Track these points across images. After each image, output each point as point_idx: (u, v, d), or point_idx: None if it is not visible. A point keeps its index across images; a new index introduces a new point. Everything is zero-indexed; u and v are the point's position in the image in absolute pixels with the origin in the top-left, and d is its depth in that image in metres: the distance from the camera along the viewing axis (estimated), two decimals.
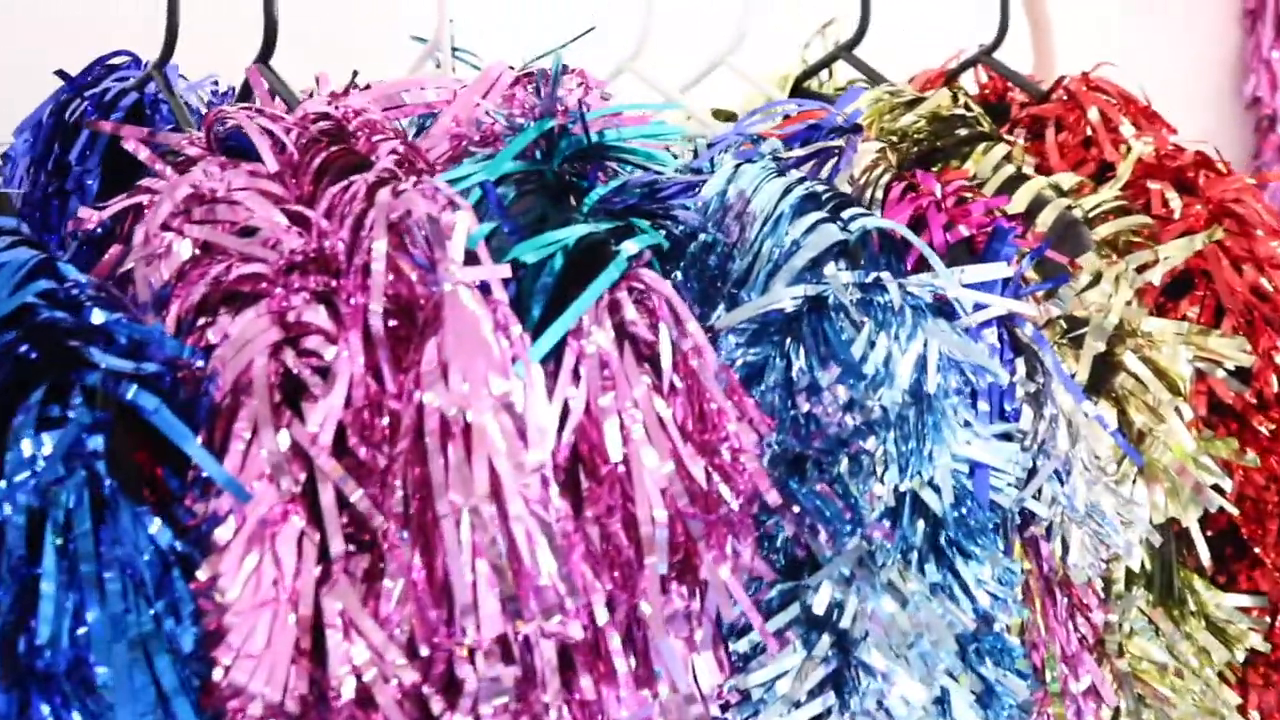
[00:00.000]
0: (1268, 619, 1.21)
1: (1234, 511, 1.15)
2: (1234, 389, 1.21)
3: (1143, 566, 1.14)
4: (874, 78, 1.37)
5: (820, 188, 1.08)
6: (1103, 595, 1.12)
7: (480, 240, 0.91)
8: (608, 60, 1.29)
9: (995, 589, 1.01)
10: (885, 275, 1.01)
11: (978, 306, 1.05)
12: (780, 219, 1.05)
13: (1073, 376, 1.12)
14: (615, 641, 0.92)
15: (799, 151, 1.13)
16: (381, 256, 0.88)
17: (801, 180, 1.09)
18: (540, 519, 0.86)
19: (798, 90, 1.42)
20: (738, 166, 1.10)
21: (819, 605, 0.97)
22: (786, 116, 1.21)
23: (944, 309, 1.04)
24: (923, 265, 1.07)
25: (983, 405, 1.06)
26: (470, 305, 0.87)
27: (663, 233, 1.03)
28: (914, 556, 0.98)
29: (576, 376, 0.93)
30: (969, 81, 1.52)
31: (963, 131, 1.25)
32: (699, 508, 0.93)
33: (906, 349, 0.98)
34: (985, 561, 1.01)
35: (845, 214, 1.05)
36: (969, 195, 1.14)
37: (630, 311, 0.95)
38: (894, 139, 1.24)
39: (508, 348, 0.88)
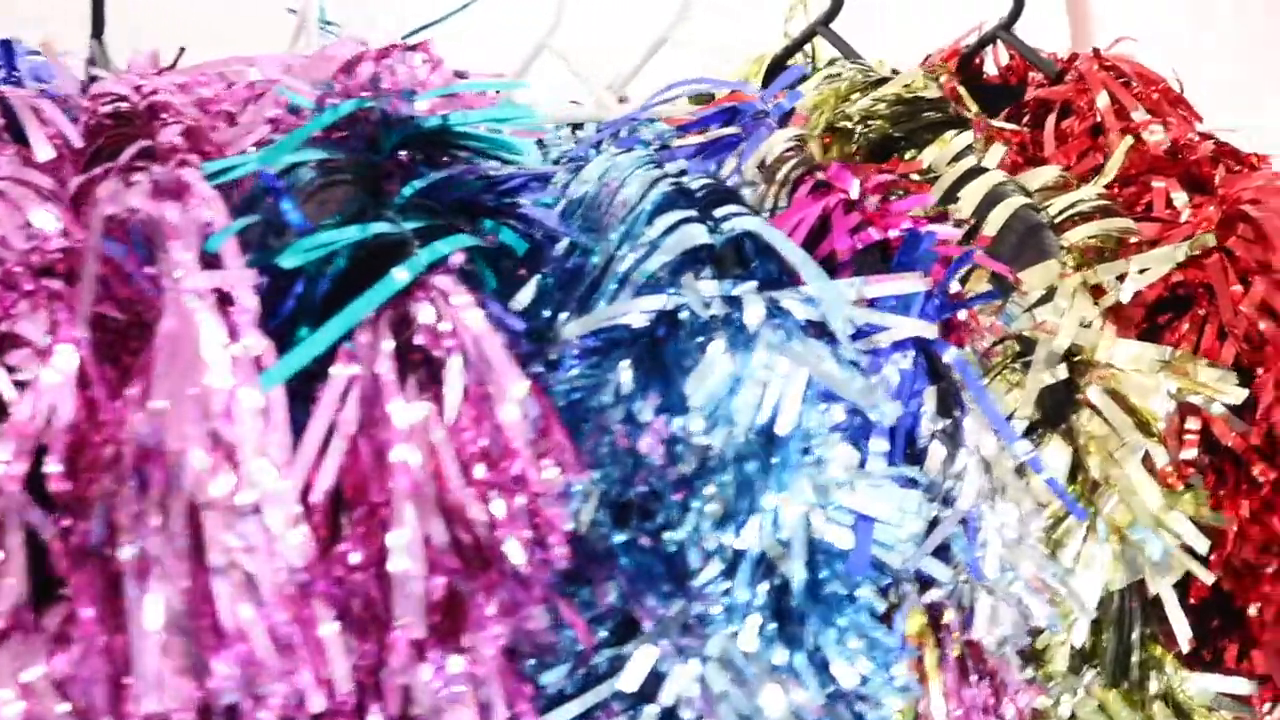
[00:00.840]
0: (1268, 707, 1.00)
1: (1206, 579, 0.95)
2: (1237, 429, 1.00)
3: (1094, 638, 0.96)
4: (849, 55, 1.20)
5: (699, 182, 0.93)
6: (1031, 674, 0.94)
7: (226, 239, 0.78)
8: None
9: (864, 667, 0.84)
10: (746, 288, 0.85)
11: (871, 328, 0.89)
12: (639, 217, 0.90)
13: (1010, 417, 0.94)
14: (373, 712, 0.79)
15: (693, 139, 0.98)
16: (93, 259, 0.76)
17: (680, 173, 0.93)
18: (245, 571, 0.73)
19: (774, 73, 1.25)
20: (616, 156, 0.96)
21: (627, 680, 0.82)
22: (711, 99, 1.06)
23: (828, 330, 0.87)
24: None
25: (879, 444, 0.89)
26: (191, 316, 0.75)
27: (516, 233, 0.90)
28: (755, 625, 0.82)
29: (346, 401, 0.80)
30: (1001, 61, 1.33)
31: (933, 115, 1.07)
32: (471, 560, 0.79)
33: (752, 378, 0.82)
34: (851, 633, 0.84)
35: (719, 213, 0.90)
36: (901, 192, 0.96)
37: (426, 319, 0.81)
38: (849, 125, 1.07)
39: (245, 366, 0.76)
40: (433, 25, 1.03)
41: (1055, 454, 0.95)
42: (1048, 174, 1.06)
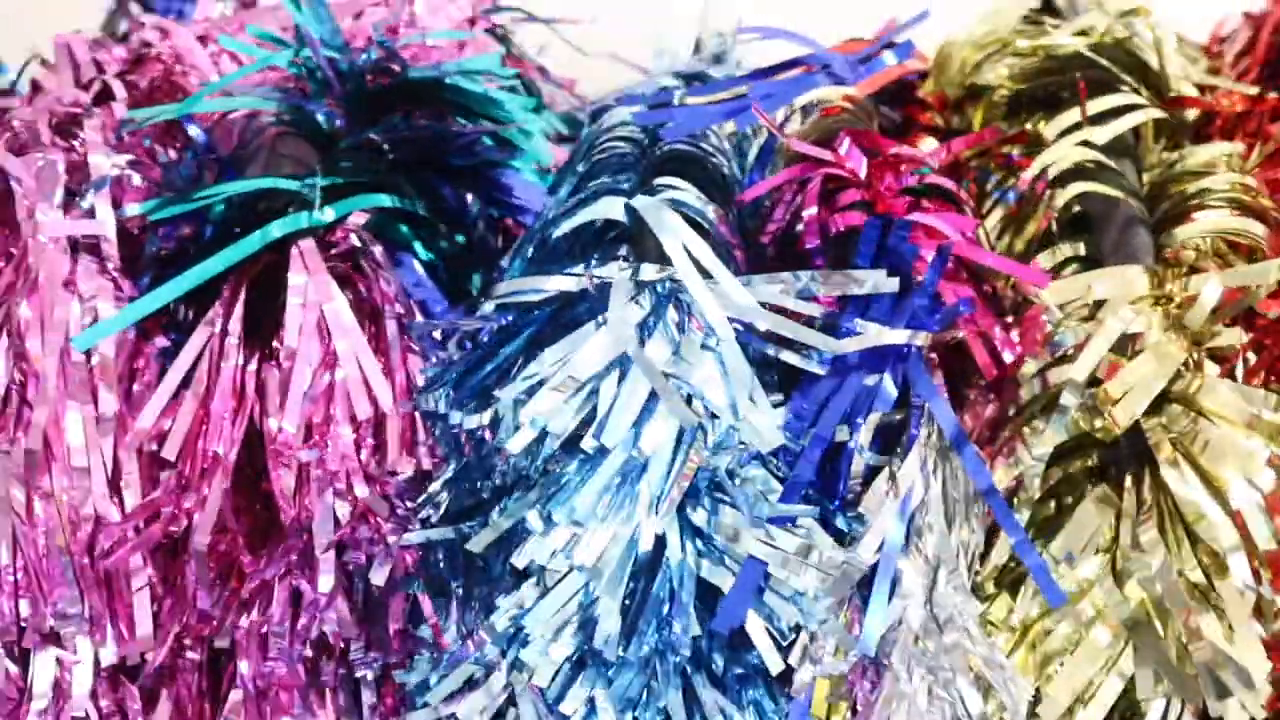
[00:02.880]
0: None
1: (1256, 713, 0.69)
2: None
3: None
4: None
5: (679, 148, 0.80)
6: None
7: (102, 190, 0.79)
8: None
9: None
10: (620, 272, 0.73)
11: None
12: (574, 180, 0.80)
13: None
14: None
15: (708, 98, 0.84)
16: None
17: (645, 134, 0.82)
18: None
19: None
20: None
21: (435, 694, 0.74)
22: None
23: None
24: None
25: (804, 472, 0.73)
26: (46, 263, 0.77)
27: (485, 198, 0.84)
28: (551, 665, 0.71)
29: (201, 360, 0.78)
30: None
31: (1090, 75, 0.85)
32: (262, 537, 0.75)
33: (575, 379, 0.70)
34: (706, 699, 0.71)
35: (657, 182, 0.77)
36: (928, 168, 0.78)
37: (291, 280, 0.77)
38: (988, 85, 0.89)
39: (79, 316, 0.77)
40: None
41: (1085, 517, 0.74)
42: (1209, 152, 0.80)
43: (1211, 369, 0.75)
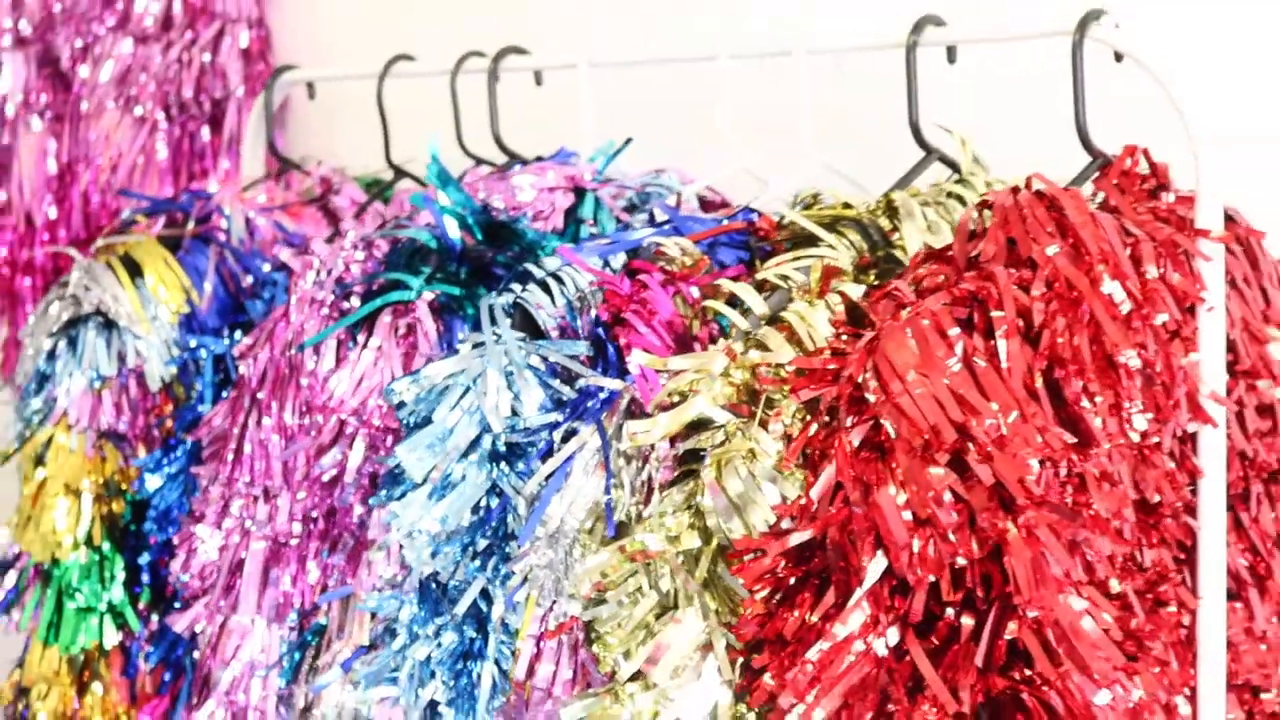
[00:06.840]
0: None
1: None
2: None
3: None
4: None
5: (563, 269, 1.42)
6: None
7: (330, 274, 1.58)
8: None
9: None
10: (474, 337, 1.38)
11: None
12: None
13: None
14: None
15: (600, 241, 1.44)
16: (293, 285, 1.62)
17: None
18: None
19: None
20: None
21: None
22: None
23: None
24: None
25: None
26: (296, 307, 1.57)
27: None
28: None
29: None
30: None
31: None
32: None
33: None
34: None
35: (529, 286, 1.41)
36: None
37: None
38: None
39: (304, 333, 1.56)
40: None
41: (671, 492, 1.25)
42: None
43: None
